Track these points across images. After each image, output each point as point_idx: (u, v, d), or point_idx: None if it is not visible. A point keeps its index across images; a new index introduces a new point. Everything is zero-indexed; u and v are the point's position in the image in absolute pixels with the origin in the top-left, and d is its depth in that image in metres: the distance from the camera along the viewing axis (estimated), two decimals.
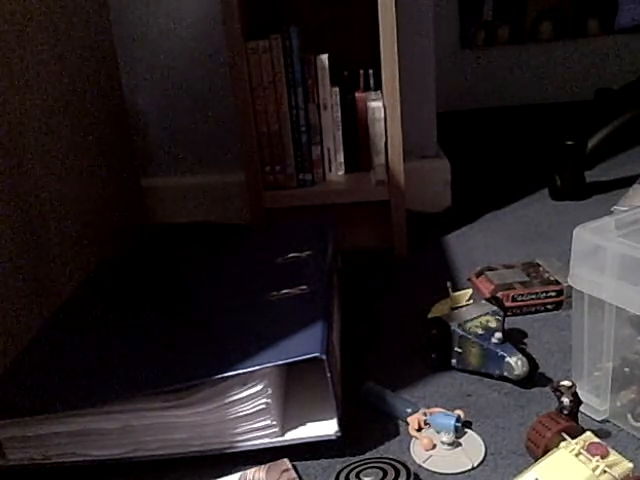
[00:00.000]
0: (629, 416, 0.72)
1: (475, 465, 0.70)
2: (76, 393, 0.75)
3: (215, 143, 1.46)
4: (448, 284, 0.91)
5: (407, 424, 0.76)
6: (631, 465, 0.60)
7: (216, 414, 0.73)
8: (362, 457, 0.73)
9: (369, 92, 1.24)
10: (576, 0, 2.19)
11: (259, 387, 0.72)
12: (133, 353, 0.81)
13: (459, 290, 0.91)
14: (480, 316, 0.87)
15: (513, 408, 0.78)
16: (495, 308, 0.88)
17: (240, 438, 0.74)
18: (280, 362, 0.70)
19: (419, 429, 0.75)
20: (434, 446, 0.72)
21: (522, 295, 0.97)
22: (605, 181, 1.49)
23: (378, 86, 1.25)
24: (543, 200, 1.42)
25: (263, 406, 0.72)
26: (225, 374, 0.70)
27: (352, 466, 0.69)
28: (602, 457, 0.60)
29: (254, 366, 0.70)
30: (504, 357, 0.79)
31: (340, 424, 0.72)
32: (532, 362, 0.86)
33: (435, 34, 2.23)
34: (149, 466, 0.75)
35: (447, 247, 1.24)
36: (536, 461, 0.62)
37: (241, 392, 0.72)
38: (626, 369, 0.71)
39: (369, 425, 0.78)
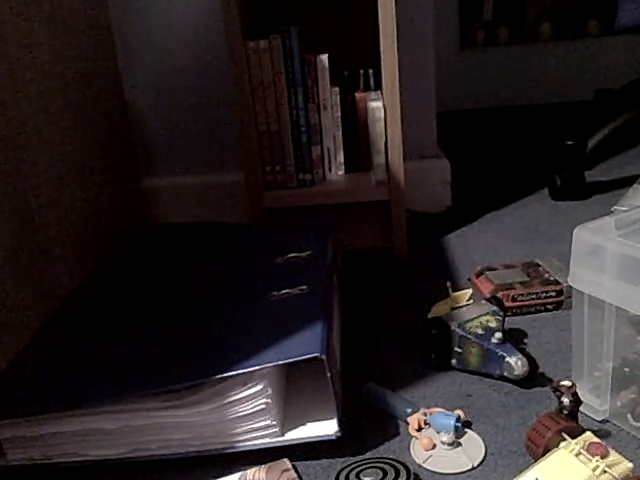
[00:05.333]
0: (629, 416, 0.72)
1: (475, 465, 0.70)
2: (76, 393, 0.75)
3: (215, 143, 1.46)
4: (448, 284, 0.91)
5: (407, 424, 0.76)
6: (631, 465, 0.60)
7: (216, 414, 0.73)
8: (362, 457, 0.73)
9: (369, 92, 1.24)
10: (576, 0, 2.19)
11: (259, 387, 0.72)
12: (133, 353, 0.81)
13: (459, 290, 0.91)
14: (480, 316, 0.87)
15: (513, 408, 0.78)
16: (495, 308, 0.88)
17: (240, 438, 0.74)
18: (280, 362, 0.70)
19: (419, 429, 0.75)
20: (434, 446, 0.72)
21: (522, 295, 0.97)
22: (605, 181, 1.49)
23: (378, 86, 1.25)
24: (543, 200, 1.42)
25: (263, 406, 0.72)
26: (225, 374, 0.70)
27: (352, 466, 0.69)
28: (602, 457, 0.60)
29: (254, 366, 0.70)
30: (504, 357, 0.79)
31: (340, 424, 0.72)
32: (532, 362, 0.86)
33: (435, 34, 2.23)
34: (149, 466, 0.75)
35: (447, 247, 1.24)
36: (536, 461, 0.62)
37: (241, 392, 0.72)
38: (626, 369, 0.71)
39: (369, 425, 0.78)
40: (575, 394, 0.69)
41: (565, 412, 0.68)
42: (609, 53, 2.26)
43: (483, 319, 0.86)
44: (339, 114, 1.20)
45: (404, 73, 1.37)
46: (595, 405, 0.74)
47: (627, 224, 0.72)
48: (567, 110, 2.18)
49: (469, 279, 1.07)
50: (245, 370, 0.70)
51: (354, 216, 1.25)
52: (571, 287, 0.74)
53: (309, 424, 0.75)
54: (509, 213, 1.37)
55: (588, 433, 0.64)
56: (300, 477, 0.71)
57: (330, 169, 1.24)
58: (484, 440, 0.73)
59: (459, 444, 0.73)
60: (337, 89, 1.19)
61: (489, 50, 2.28)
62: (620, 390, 0.72)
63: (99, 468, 0.76)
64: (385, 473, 0.67)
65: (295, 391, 0.82)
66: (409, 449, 0.73)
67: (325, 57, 1.17)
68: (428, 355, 0.88)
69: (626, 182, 1.45)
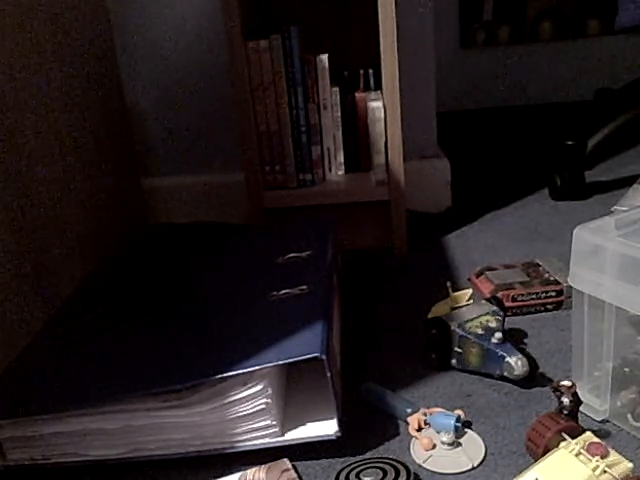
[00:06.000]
0: (629, 416, 0.72)
1: (475, 465, 0.70)
2: (76, 393, 0.75)
3: (215, 143, 1.46)
4: (448, 284, 0.91)
5: (407, 424, 0.76)
6: (631, 465, 0.60)
7: (216, 414, 0.73)
8: (362, 457, 0.73)
9: (369, 92, 1.24)
10: (576, 0, 2.19)
11: (259, 387, 0.72)
12: (133, 353, 0.81)
13: (459, 290, 0.91)
14: (480, 316, 0.87)
15: (513, 408, 0.78)
16: (495, 308, 0.88)
17: (240, 438, 0.74)
18: (280, 362, 0.70)
19: (419, 429, 0.75)
20: (434, 446, 0.72)
21: (522, 295, 0.97)
22: (605, 181, 1.49)
23: (378, 86, 1.25)
24: (543, 200, 1.42)
25: (263, 406, 0.72)
26: (225, 374, 0.70)
27: (352, 466, 0.69)
28: (602, 457, 0.60)
29: (254, 366, 0.70)
30: (504, 357, 0.79)
31: (340, 424, 0.72)
32: (532, 362, 0.86)
33: (435, 34, 2.23)
34: (149, 466, 0.75)
35: (447, 247, 1.24)
36: (536, 461, 0.62)
37: (241, 392, 0.72)
38: (626, 369, 0.71)
39: (369, 425, 0.78)
40: (575, 394, 0.69)
41: (565, 412, 0.68)
42: (609, 53, 2.26)
43: (483, 319, 0.86)
44: (339, 114, 1.20)
45: (404, 73, 1.37)
46: (595, 405, 0.74)
47: (627, 224, 0.72)
48: (567, 110, 2.18)
49: (469, 279, 1.07)
50: (245, 370, 0.70)
51: (354, 216, 1.25)
52: (571, 287, 0.74)
53: (309, 424, 0.75)
54: (509, 213, 1.37)
55: (588, 433, 0.64)
56: (300, 477, 0.71)
57: (330, 169, 1.24)
58: (484, 440, 0.73)
59: (459, 444, 0.73)
60: (337, 89, 1.19)
61: (489, 50, 2.28)
62: (620, 390, 0.72)
63: (99, 468, 0.76)
64: (385, 473, 0.67)
65: (295, 391, 0.82)
66: (409, 449, 0.73)
67: (325, 57, 1.17)
68: (428, 355, 0.88)
69: (626, 182, 1.45)
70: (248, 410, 0.73)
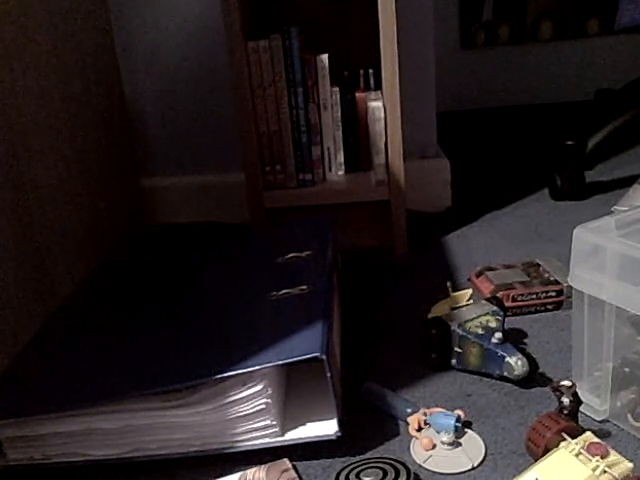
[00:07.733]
0: (629, 416, 0.72)
1: (475, 465, 0.70)
2: (76, 393, 0.75)
3: (215, 143, 1.46)
4: (448, 284, 0.91)
5: (407, 424, 0.76)
6: (631, 465, 0.60)
7: (216, 414, 0.73)
8: (362, 457, 0.73)
9: (369, 92, 1.24)
10: (576, 0, 2.19)
11: (259, 387, 0.72)
12: (133, 353, 0.81)
13: (459, 290, 0.91)
14: (480, 316, 0.87)
15: (513, 408, 0.78)
16: (495, 308, 0.88)
17: (240, 438, 0.74)
18: (280, 362, 0.70)
19: (419, 429, 0.75)
20: (434, 446, 0.72)
21: (522, 295, 0.97)
22: (605, 181, 1.49)
23: (378, 86, 1.25)
24: (543, 200, 1.42)
25: (263, 406, 0.72)
26: (225, 374, 0.70)
27: (352, 466, 0.69)
28: (602, 457, 0.60)
29: (254, 366, 0.70)
30: (504, 357, 0.79)
31: (340, 424, 0.72)
32: (532, 362, 0.86)
33: (435, 34, 2.23)
34: (149, 466, 0.75)
35: (447, 247, 1.24)
36: (536, 461, 0.62)
37: (241, 392, 0.72)
38: (626, 369, 0.71)
39: (369, 425, 0.78)
40: (575, 394, 0.69)
41: (565, 412, 0.68)
42: (609, 53, 2.26)
43: (483, 319, 0.86)
44: (339, 114, 1.20)
45: (404, 73, 1.37)
46: (595, 405, 0.74)
47: (627, 224, 0.72)
48: (567, 110, 2.18)
49: (469, 279, 1.07)
50: (245, 370, 0.70)
51: (354, 216, 1.25)
52: (571, 287, 0.74)
53: (309, 424, 0.75)
54: (509, 213, 1.37)
55: (588, 433, 0.64)
56: (300, 477, 0.71)
57: (330, 169, 1.24)
58: (484, 440, 0.73)
59: (459, 444, 0.73)
60: (337, 89, 1.19)
61: (489, 50, 2.28)
62: (620, 390, 0.72)
63: (99, 468, 0.76)
64: (385, 473, 0.67)
65: (295, 391, 0.82)
66: (409, 449, 0.73)
67: (325, 57, 1.17)
68: (428, 355, 0.88)
69: (626, 182, 1.45)
70: (248, 410, 0.73)
